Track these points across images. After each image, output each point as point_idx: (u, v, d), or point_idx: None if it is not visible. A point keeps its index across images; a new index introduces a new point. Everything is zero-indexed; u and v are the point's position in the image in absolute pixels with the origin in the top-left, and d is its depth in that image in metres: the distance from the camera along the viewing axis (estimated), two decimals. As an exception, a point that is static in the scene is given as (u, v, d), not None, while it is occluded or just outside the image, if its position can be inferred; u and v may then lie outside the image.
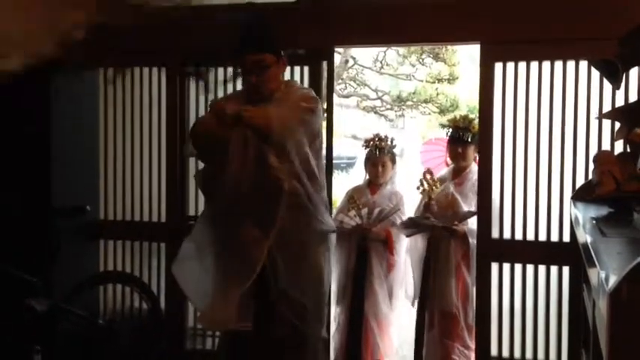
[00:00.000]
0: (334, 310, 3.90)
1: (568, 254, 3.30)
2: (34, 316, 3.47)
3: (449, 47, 10.30)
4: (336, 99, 4.55)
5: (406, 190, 4.12)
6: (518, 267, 3.54)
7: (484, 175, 3.53)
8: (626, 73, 2.88)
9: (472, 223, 3.67)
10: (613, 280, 1.36)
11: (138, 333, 3.85)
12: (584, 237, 2.08)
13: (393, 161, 4.07)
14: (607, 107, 3.31)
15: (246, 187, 2.69)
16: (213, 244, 2.82)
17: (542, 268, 3.51)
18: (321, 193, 2.93)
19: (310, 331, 2.86)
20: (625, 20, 2.31)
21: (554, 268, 3.48)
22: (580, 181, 3.34)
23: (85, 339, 3.68)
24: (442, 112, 11.61)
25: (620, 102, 3.24)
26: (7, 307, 3.52)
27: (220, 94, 3.89)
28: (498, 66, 3.50)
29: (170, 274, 3.95)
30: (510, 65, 3.50)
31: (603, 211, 2.51)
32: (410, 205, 4.09)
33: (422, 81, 11.61)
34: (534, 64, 3.46)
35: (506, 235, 3.54)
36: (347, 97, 12.20)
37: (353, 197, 3.95)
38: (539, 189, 3.47)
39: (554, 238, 3.47)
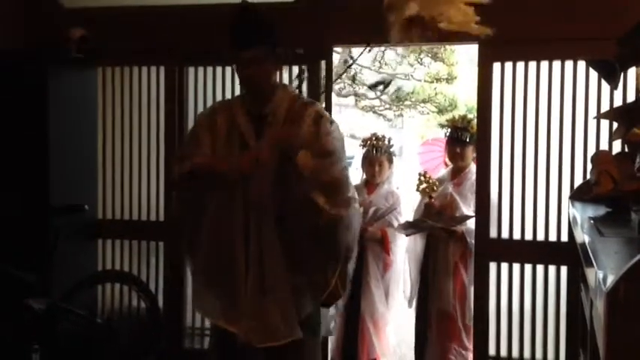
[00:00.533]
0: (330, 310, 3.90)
1: (566, 254, 3.30)
2: (32, 316, 3.47)
3: (447, 47, 10.31)
4: (334, 98, 4.54)
5: (405, 188, 4.12)
6: (516, 267, 3.55)
7: (482, 175, 3.53)
8: (624, 73, 2.88)
9: (470, 223, 3.67)
10: (610, 280, 1.36)
11: (136, 332, 3.86)
12: (582, 237, 2.08)
13: (390, 161, 4.07)
14: (605, 107, 3.31)
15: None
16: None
17: (540, 268, 3.51)
18: None
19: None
20: (625, 20, 2.31)
21: (552, 268, 3.49)
22: (578, 181, 3.35)
23: (84, 338, 3.68)
24: (440, 111, 11.65)
25: (618, 102, 3.25)
26: (6, 307, 3.52)
27: (220, 95, 3.90)
28: (496, 66, 3.50)
29: (168, 274, 4.00)
30: (508, 65, 3.50)
31: (601, 210, 2.50)
32: (410, 206, 4.08)
33: (420, 81, 11.62)
34: (532, 64, 3.47)
35: (504, 235, 3.55)
36: (345, 96, 12.20)
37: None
38: (537, 189, 3.48)
39: (552, 237, 3.47)
